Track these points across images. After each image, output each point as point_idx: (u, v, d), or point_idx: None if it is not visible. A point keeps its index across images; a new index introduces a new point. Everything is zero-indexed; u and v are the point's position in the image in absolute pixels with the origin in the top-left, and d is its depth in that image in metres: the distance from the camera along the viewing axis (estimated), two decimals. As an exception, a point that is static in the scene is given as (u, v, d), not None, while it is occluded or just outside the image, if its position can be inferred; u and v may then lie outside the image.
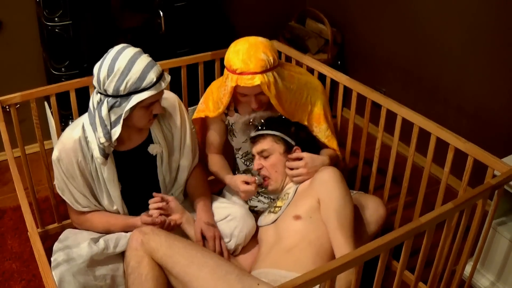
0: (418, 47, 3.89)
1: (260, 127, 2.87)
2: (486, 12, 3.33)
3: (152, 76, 2.36)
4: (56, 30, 3.29)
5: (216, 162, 3.10)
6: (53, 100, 2.94)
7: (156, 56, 3.17)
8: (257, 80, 2.66)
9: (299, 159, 2.80)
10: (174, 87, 3.27)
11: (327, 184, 2.57)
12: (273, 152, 2.82)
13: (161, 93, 2.46)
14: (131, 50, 2.39)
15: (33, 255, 2.19)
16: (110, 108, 2.39)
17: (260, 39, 2.78)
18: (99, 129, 2.42)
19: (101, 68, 2.37)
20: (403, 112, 2.84)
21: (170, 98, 2.77)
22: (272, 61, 2.71)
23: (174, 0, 3.51)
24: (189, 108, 3.54)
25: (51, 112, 3.11)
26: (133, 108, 2.41)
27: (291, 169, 2.79)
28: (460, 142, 2.58)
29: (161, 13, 3.44)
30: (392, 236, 1.96)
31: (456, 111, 3.69)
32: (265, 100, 2.83)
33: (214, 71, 3.39)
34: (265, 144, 2.83)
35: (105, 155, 2.50)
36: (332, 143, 3.02)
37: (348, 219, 2.50)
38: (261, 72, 2.67)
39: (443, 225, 2.29)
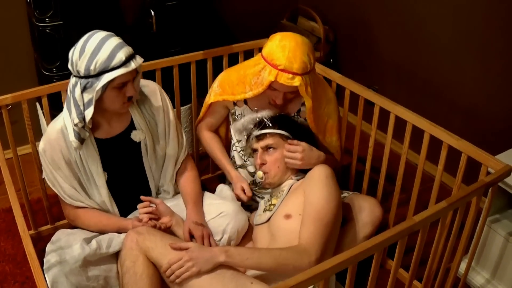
0: (410, 44, 3.89)
1: (266, 125, 2.87)
2: (479, 8, 3.33)
3: (121, 56, 2.39)
4: (47, 30, 3.27)
5: (215, 142, 3.17)
6: (44, 101, 2.92)
7: (147, 55, 3.17)
8: (297, 81, 2.67)
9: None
10: (166, 86, 3.26)
11: (313, 181, 2.57)
12: (278, 147, 2.83)
13: (132, 73, 2.48)
14: (102, 33, 2.45)
15: (27, 257, 2.18)
16: (83, 89, 2.43)
17: (305, 40, 2.77)
18: (73, 110, 2.47)
19: (74, 51, 2.44)
20: (396, 109, 2.84)
21: (150, 85, 2.81)
22: (312, 64, 2.74)
23: (165, -1, 3.50)
24: (181, 108, 3.53)
25: (43, 113, 3.09)
26: (104, 88, 2.44)
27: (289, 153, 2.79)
28: (453, 140, 2.58)
29: (153, 12, 3.43)
30: (385, 235, 1.96)
31: (449, 108, 3.69)
32: (289, 98, 2.87)
33: (206, 70, 3.38)
34: (271, 140, 2.83)
35: (79, 139, 2.52)
36: (338, 156, 3.07)
37: (321, 216, 2.44)
38: (301, 74, 2.68)
39: (438, 222, 2.29)
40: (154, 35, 3.52)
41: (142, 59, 2.51)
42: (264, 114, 2.90)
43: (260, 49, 3.31)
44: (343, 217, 2.73)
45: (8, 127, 2.85)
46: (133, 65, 2.44)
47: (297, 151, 2.76)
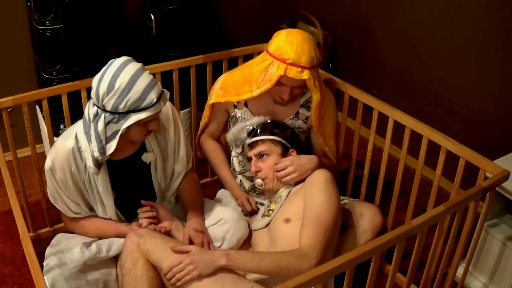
0: (409, 49, 3.90)
1: (257, 132, 2.88)
2: (477, 14, 3.34)
3: (152, 97, 2.33)
4: (47, 33, 3.28)
5: (217, 153, 3.19)
6: (44, 104, 2.93)
7: (147, 59, 3.18)
8: (306, 74, 2.70)
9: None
10: (166, 90, 3.27)
11: (313, 185, 2.58)
12: (272, 153, 2.84)
13: (159, 111, 2.44)
14: (132, 67, 2.35)
15: (25, 259, 2.18)
16: (107, 124, 2.36)
17: (310, 35, 2.81)
18: (94, 142, 2.39)
19: (100, 83, 2.32)
20: (394, 114, 2.85)
21: None
22: (318, 58, 2.78)
23: (165, 3, 3.50)
24: (181, 112, 3.53)
25: (43, 116, 3.10)
26: (130, 126, 2.38)
27: (280, 171, 2.80)
28: (451, 144, 2.59)
29: (152, 16, 3.44)
30: (384, 239, 1.96)
31: (447, 113, 3.70)
32: (295, 93, 2.88)
33: (206, 74, 3.39)
34: (263, 147, 2.85)
35: (98, 165, 2.46)
36: (334, 160, 3.10)
37: (320, 219, 2.45)
38: (309, 68, 2.71)
39: (435, 227, 2.30)
40: (154, 39, 3.53)
41: (169, 93, 2.48)
42: (254, 121, 2.91)
43: (259, 54, 3.32)
44: (343, 224, 2.73)
45: (8, 129, 2.85)
46: (162, 104, 2.40)
47: (287, 166, 2.78)
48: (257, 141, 2.86)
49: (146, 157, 2.69)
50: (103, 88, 2.31)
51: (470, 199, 2.28)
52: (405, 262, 2.49)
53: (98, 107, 2.37)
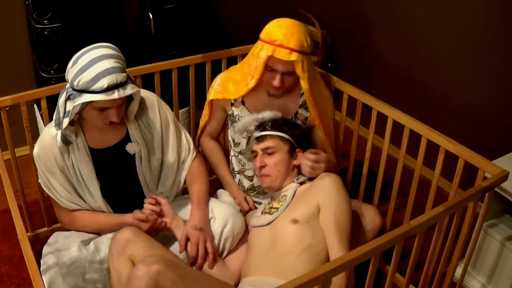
0: (409, 49, 3.89)
1: (267, 127, 2.86)
2: (476, 14, 3.34)
3: (103, 82, 2.30)
4: (46, 32, 3.28)
5: (216, 152, 3.20)
6: (43, 103, 2.93)
7: (145, 59, 3.17)
8: (294, 56, 2.68)
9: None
10: (165, 89, 3.26)
11: (329, 191, 2.56)
12: (279, 150, 2.81)
13: (116, 101, 2.40)
14: (101, 51, 2.37)
15: (23, 258, 2.17)
16: (68, 98, 2.39)
17: (302, 23, 2.82)
18: (55, 115, 2.45)
19: (72, 58, 2.39)
20: (394, 114, 2.84)
21: (148, 97, 2.76)
22: (308, 45, 2.76)
23: (163, 2, 3.50)
24: (180, 111, 3.53)
25: (41, 115, 3.09)
26: (84, 106, 2.40)
27: (312, 161, 2.77)
28: (451, 145, 2.59)
29: (151, 15, 3.43)
30: (383, 240, 1.96)
31: (446, 112, 3.70)
32: (287, 83, 2.84)
33: (204, 73, 3.38)
34: (271, 142, 2.81)
35: (65, 141, 2.52)
36: (333, 158, 3.07)
37: (346, 227, 2.48)
38: (299, 51, 2.69)
39: (434, 227, 2.30)
40: (153, 38, 3.52)
41: (135, 89, 2.43)
42: (265, 115, 2.89)
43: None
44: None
45: (7, 128, 2.85)
46: (115, 95, 2.34)
47: (321, 161, 2.77)
48: (265, 136, 2.83)
49: (130, 148, 2.69)
50: (70, 63, 2.38)
51: (469, 199, 2.28)
52: (404, 262, 2.49)
53: (66, 81, 2.44)
